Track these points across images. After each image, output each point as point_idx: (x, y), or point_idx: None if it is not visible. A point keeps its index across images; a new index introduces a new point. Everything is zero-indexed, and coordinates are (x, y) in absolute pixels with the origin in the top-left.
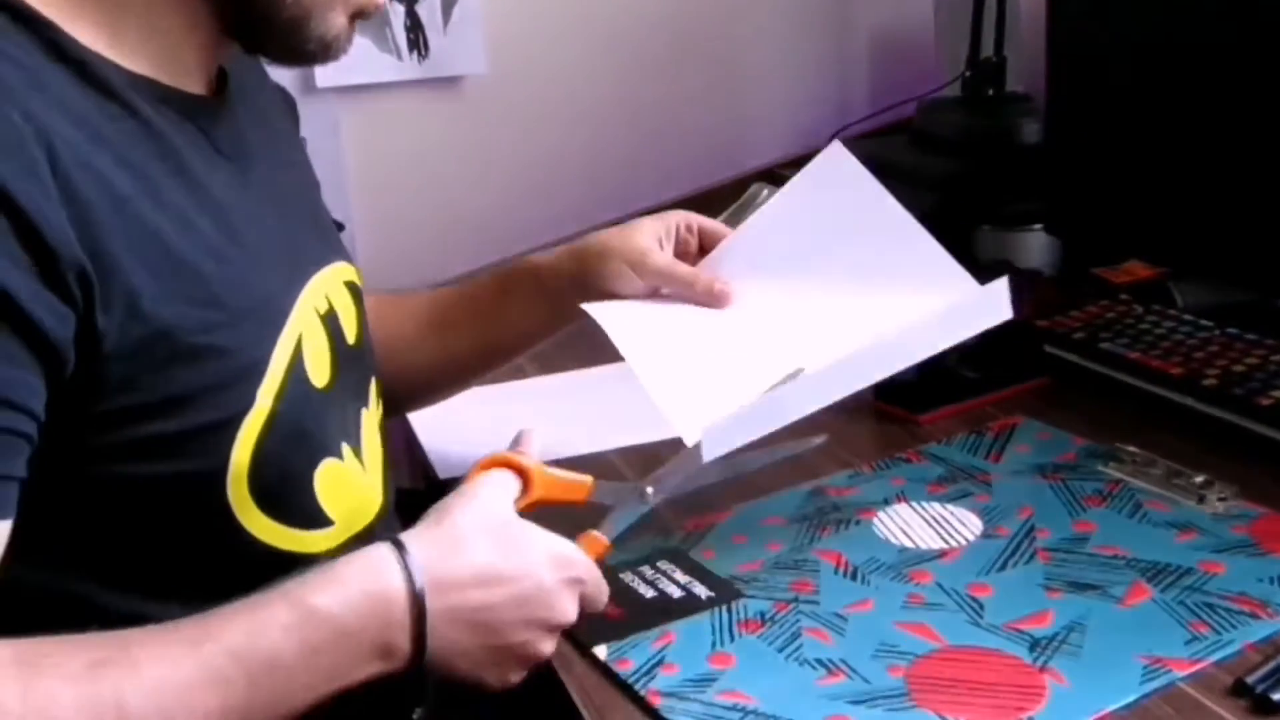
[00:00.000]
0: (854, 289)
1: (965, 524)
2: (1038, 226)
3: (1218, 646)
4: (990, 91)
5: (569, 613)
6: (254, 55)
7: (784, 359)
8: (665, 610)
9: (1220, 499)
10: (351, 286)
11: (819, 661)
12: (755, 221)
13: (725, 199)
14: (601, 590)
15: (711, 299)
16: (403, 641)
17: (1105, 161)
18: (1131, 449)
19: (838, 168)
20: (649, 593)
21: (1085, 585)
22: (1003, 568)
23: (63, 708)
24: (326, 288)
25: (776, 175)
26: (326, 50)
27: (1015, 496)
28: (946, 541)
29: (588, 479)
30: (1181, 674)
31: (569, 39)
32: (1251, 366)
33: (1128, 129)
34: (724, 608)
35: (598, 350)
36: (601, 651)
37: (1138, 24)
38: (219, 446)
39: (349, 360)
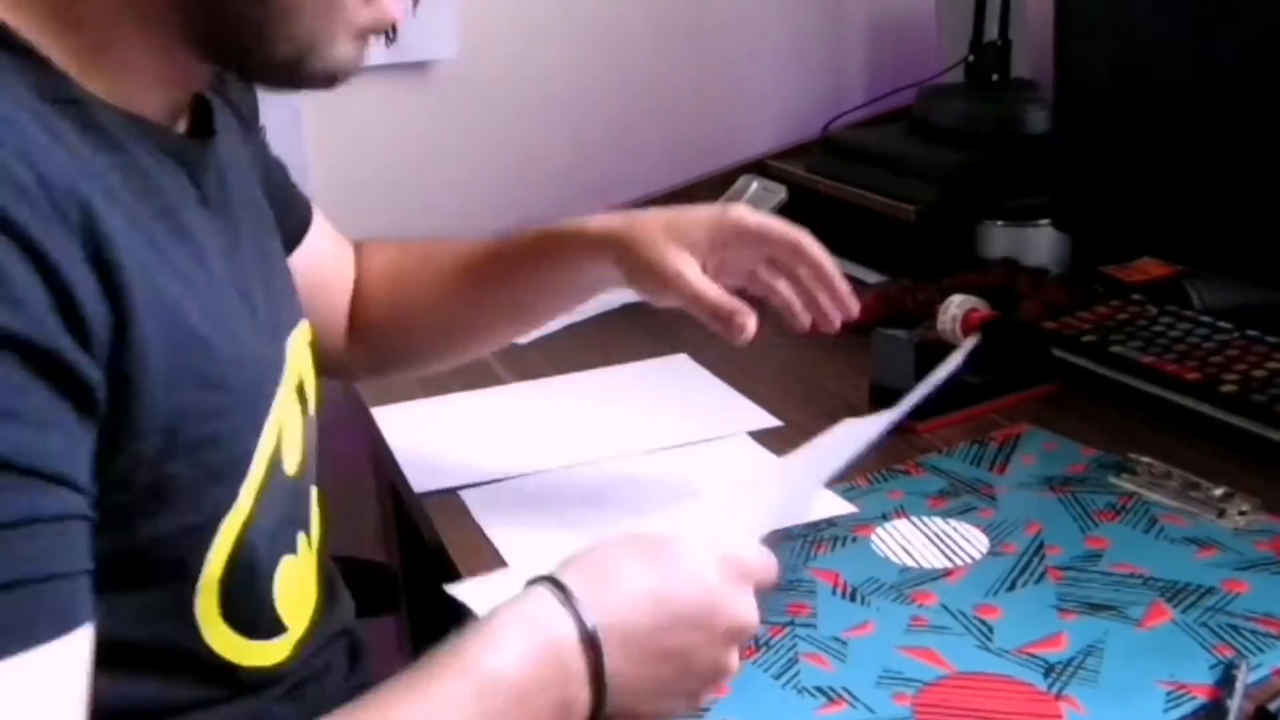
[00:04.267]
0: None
1: (970, 540)
2: (1045, 222)
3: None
4: (994, 77)
5: (748, 614)
6: (248, 84)
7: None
8: None
9: (1241, 513)
10: (312, 346)
11: (819, 689)
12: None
13: (713, 191)
14: (771, 574)
15: (728, 330)
16: (582, 694)
17: (1117, 152)
18: (1145, 459)
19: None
20: None
21: (1100, 606)
22: (1011, 587)
23: None
24: (298, 356)
25: (767, 166)
26: (332, 80)
27: (1022, 511)
28: (950, 559)
29: None
30: (1207, 700)
31: (546, 19)
32: (1273, 371)
33: (1141, 118)
34: None
35: (576, 357)
36: None
37: (1151, 6)
38: (195, 553)
39: (309, 434)
